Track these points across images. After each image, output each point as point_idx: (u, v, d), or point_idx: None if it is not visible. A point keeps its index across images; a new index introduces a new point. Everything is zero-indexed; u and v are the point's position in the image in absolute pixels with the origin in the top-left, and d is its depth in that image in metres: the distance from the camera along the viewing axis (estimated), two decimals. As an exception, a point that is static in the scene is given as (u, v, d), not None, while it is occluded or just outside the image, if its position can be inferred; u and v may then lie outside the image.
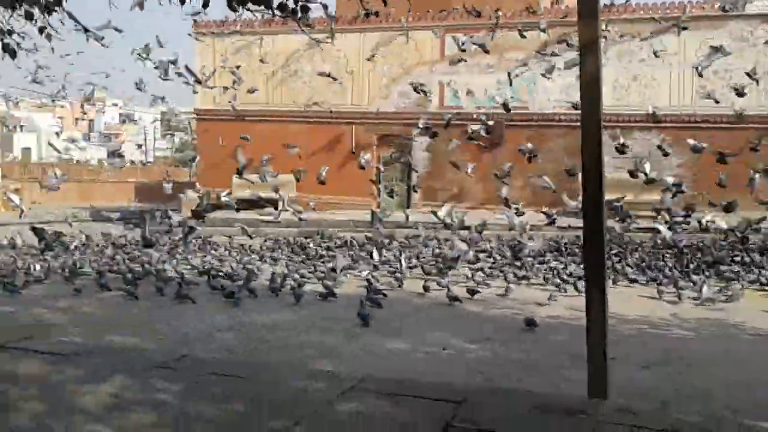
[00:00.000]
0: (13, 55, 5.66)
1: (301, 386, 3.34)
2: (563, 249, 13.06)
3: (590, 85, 3.26)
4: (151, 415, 2.88)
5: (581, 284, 8.92)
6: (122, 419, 2.82)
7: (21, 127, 57.59)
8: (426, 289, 8.84)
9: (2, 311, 7.25)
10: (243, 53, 22.84)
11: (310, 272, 10.19)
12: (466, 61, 16.42)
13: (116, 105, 73.76)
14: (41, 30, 5.79)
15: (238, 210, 14.30)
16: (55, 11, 5.73)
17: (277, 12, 4.73)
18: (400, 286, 9.19)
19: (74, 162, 44.75)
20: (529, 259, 11.58)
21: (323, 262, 11.76)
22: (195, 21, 22.63)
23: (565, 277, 9.58)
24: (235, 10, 4.68)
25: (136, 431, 2.69)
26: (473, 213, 18.83)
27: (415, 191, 19.16)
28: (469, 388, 3.82)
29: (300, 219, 11.79)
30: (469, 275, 9.83)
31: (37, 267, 10.20)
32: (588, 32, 3.26)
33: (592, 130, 3.30)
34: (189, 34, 21.35)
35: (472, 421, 2.93)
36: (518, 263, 11.25)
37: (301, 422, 2.82)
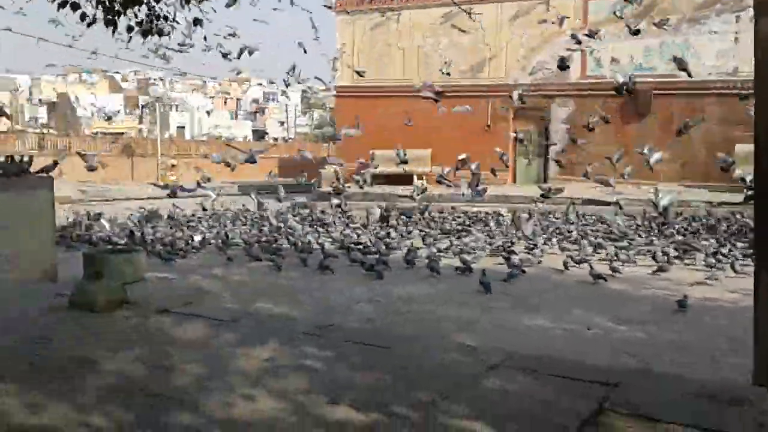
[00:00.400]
0: (159, 34, 6.00)
1: (445, 360, 3.34)
2: (717, 226, 12.17)
3: (766, 48, 2.95)
4: (302, 380, 3.00)
5: (738, 265, 8.31)
6: (276, 383, 2.95)
7: (176, 107, 61.79)
8: (565, 265, 8.59)
9: (164, 278, 7.85)
10: (381, 29, 23.04)
11: (446, 247, 10.18)
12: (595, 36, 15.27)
13: (261, 84, 77.20)
14: (196, 21, 6.10)
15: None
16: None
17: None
18: (539, 263, 8.97)
19: (223, 139, 47.43)
20: (680, 236, 10.88)
21: (459, 237, 11.69)
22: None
23: (720, 257, 8.94)
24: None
25: (289, 395, 2.80)
26: (618, 188, 18.01)
27: (560, 166, 18.38)
28: (622, 370, 3.65)
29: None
30: (614, 253, 9.40)
31: (196, 238, 10.93)
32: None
33: (767, 98, 2.99)
34: (328, 7, 21.74)
35: (626, 405, 2.79)
36: (668, 241, 10.59)
37: (447, 396, 2.82)
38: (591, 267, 8.17)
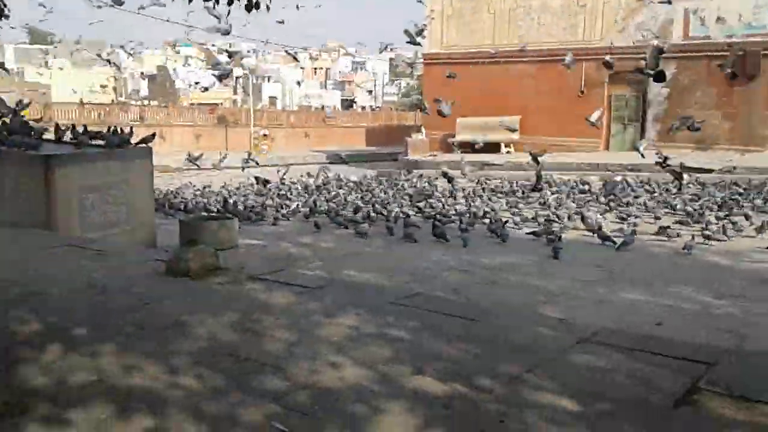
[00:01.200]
0: (257, 6, 6.06)
1: (533, 333, 3.26)
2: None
3: None
4: (388, 349, 3.00)
5: None
6: (361, 351, 2.97)
7: (268, 78, 63.03)
8: (668, 235, 8.26)
9: (255, 245, 8.08)
10: (470, -6, 22.53)
11: (532, 218, 9.95)
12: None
13: (349, 54, 77.52)
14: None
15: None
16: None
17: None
18: (633, 233, 8.64)
19: (312, 109, 48.08)
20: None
21: (547, 206, 11.39)
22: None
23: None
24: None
25: (373, 364, 2.82)
26: (717, 155, 17.06)
27: (674, 130, 17.24)
28: (718, 347, 3.46)
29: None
30: (713, 222, 8.95)
31: (292, 206, 11.20)
32: None
33: None
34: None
35: (723, 385, 2.64)
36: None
37: (535, 369, 2.76)
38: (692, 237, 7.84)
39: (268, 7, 6.18)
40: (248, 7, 6.05)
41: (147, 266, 4.72)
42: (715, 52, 18.45)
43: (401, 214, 10.23)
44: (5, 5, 7.85)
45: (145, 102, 37.48)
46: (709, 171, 11.53)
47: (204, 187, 14.75)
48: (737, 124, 18.58)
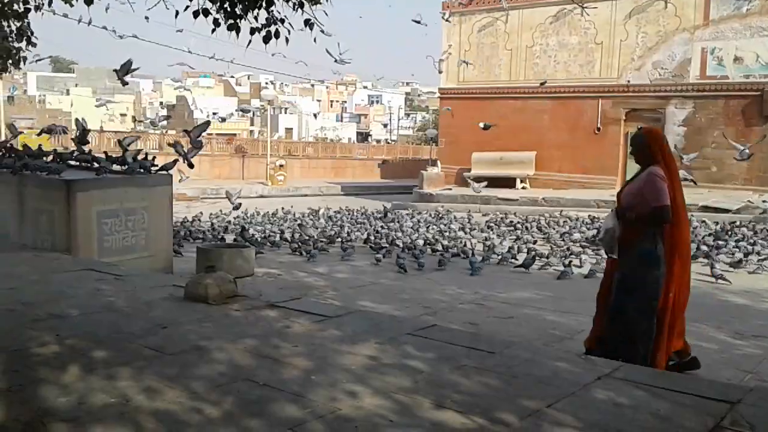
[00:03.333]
0: (276, 36, 6.14)
1: (553, 368, 3.24)
2: None
3: None
4: (406, 380, 2.99)
5: None
6: (380, 381, 2.96)
7: (285, 109, 63.76)
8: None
9: (270, 273, 8.10)
10: (488, 30, 22.79)
11: (549, 253, 9.91)
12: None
13: (366, 87, 78.38)
14: (306, 22, 6.20)
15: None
16: (320, 3, 6.13)
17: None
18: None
19: (328, 140, 48.47)
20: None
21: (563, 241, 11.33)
22: (444, 1, 23.10)
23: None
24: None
25: (392, 394, 2.80)
26: (737, 194, 16.97)
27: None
28: (741, 386, 3.41)
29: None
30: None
31: (311, 233, 11.34)
32: None
33: None
34: (442, 16, 21.77)
35: (746, 425, 2.60)
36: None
37: (555, 404, 2.73)
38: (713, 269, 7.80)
39: (287, 39, 6.27)
40: (266, 39, 6.14)
41: (165, 291, 4.74)
42: (733, 92, 18.48)
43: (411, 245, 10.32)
44: (32, 33, 8.04)
45: (163, 131, 37.97)
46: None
47: (221, 216, 14.84)
48: (754, 164, 18.49)
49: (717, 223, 13.22)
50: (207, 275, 4.48)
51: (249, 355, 3.31)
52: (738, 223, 13.31)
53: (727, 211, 14.87)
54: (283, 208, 16.52)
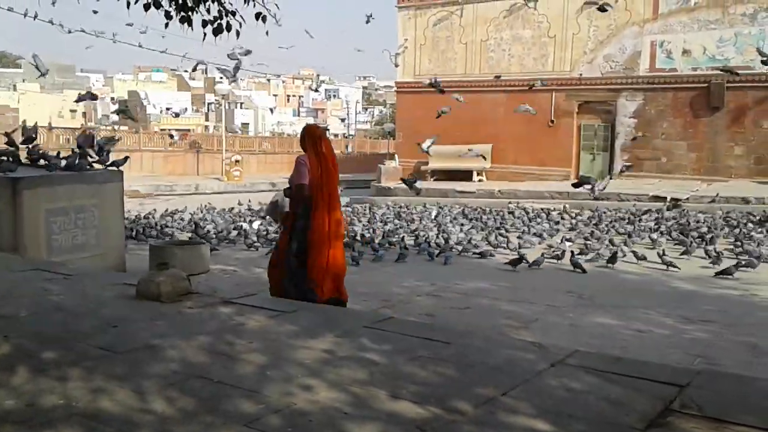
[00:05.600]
0: (228, 29, 6.05)
1: (508, 356, 3.27)
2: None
3: None
4: (362, 372, 2.98)
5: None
6: (335, 374, 2.95)
7: (241, 104, 63.03)
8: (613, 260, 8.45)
9: (226, 270, 8.01)
10: (443, 24, 22.89)
11: (503, 245, 10.02)
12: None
13: (323, 81, 78.00)
14: (258, 15, 6.13)
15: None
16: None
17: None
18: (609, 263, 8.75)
19: (285, 136, 48.11)
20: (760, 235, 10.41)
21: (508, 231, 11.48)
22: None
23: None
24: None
25: (348, 387, 2.79)
26: (684, 184, 17.42)
27: (624, 169, 17.68)
28: (689, 370, 3.50)
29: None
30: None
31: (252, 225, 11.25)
32: None
33: None
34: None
35: (695, 407, 2.67)
36: (739, 240, 10.15)
37: (510, 392, 2.76)
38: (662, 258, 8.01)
39: (238, 33, 6.19)
40: (216, 31, 6.05)
41: (116, 290, 4.64)
42: (681, 84, 18.94)
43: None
44: None
45: (115, 127, 37.14)
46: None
47: (174, 212, 14.61)
48: (702, 154, 19.03)
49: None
50: (159, 273, 4.40)
51: (202, 353, 3.26)
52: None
53: (676, 200, 15.24)
54: (239, 203, 16.36)
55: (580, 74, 20.51)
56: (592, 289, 7.03)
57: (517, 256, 8.37)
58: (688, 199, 15.30)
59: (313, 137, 5.32)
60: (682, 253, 9.08)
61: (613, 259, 8.46)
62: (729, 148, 18.67)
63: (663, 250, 8.79)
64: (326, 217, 5.17)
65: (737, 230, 11.02)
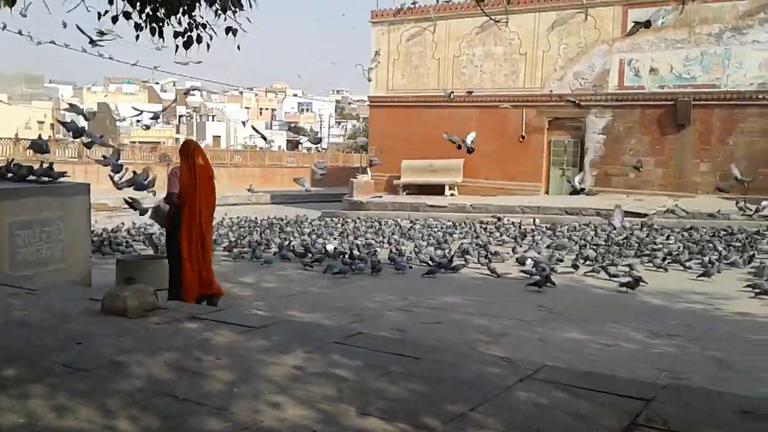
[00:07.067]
0: (199, 41, 6.02)
1: (477, 371, 3.27)
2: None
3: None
4: (331, 388, 2.96)
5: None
6: (304, 391, 2.92)
7: (213, 117, 62.61)
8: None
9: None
10: (416, 40, 23.07)
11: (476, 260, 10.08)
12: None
13: (296, 95, 77.89)
14: (228, 29, 6.11)
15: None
16: (243, 9, 6.05)
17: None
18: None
19: (257, 149, 47.90)
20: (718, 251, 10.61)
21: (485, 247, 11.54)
22: (373, 11, 23.27)
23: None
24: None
25: (317, 404, 2.77)
26: (652, 199, 17.71)
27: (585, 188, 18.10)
28: (656, 384, 3.54)
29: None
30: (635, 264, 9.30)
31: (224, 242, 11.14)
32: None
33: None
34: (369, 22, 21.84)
35: (660, 421, 2.69)
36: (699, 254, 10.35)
37: (479, 407, 2.75)
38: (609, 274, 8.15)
39: (208, 46, 6.16)
40: (186, 44, 6.01)
41: (81, 305, 4.55)
42: (649, 102, 19.31)
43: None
44: None
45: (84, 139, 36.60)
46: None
47: (143, 226, 14.42)
48: (669, 170, 19.37)
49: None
50: (126, 287, 4.33)
51: (168, 369, 3.21)
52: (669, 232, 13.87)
53: (643, 215, 15.49)
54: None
55: (551, 91, 20.80)
56: (562, 304, 7.08)
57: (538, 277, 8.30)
58: (655, 214, 15.56)
59: (186, 152, 5.99)
60: (651, 267, 9.22)
61: (623, 280, 8.36)
62: (695, 165, 19.05)
63: (630, 265, 8.92)
64: (196, 222, 5.87)
65: (700, 245, 11.22)
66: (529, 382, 3.12)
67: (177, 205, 5.87)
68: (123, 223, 14.63)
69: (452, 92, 19.95)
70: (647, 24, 7.72)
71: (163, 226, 6.38)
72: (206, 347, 3.60)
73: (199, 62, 10.06)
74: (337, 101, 76.97)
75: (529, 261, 9.30)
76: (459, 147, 12.00)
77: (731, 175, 11.93)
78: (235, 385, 2.99)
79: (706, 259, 9.62)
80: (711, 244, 11.18)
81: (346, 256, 9.88)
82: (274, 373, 3.17)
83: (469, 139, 11.72)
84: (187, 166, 5.93)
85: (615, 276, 8.49)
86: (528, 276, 8.31)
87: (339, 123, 73.69)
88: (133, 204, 7.74)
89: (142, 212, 9.11)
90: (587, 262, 9.57)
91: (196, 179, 5.89)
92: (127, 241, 11.78)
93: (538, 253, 10.53)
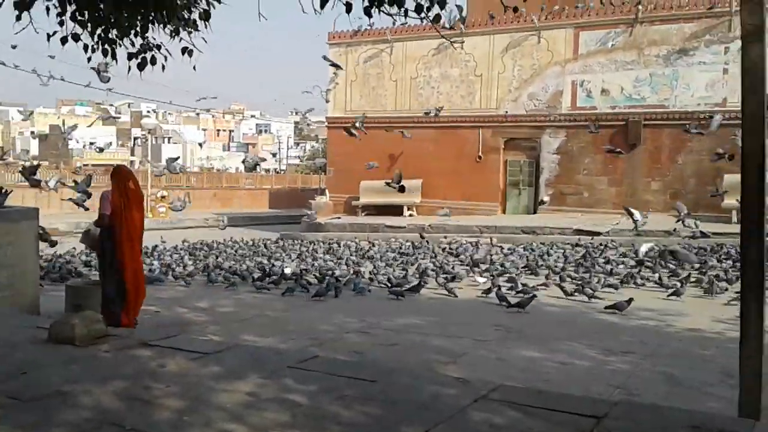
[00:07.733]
0: (153, 63, 5.97)
1: (433, 392, 3.27)
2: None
3: (754, 77, 2.95)
4: (285, 414, 2.92)
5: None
6: (257, 417, 2.87)
7: (168, 138, 61.84)
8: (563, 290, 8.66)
9: (148, 310, 7.72)
10: (374, 61, 23.24)
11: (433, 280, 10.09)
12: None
13: (254, 116, 77.57)
14: (184, 50, 6.07)
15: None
16: (199, 30, 6.02)
17: (412, 13, 4.70)
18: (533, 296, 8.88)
19: (215, 171, 47.43)
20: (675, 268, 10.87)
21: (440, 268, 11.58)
22: (329, 33, 23.39)
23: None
24: (370, 16, 4.70)
25: (270, 430, 2.72)
26: (605, 218, 18.06)
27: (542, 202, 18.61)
28: (609, 401, 3.58)
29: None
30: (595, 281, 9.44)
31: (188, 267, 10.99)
32: (753, 18, 2.97)
33: (754, 127, 2.98)
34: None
35: (613, 438, 2.73)
36: (652, 272, 10.58)
37: (433, 429, 2.75)
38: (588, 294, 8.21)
39: (163, 67, 6.10)
40: (141, 66, 5.95)
41: (28, 333, 4.41)
42: (601, 122, 19.76)
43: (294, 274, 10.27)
44: None
45: (34, 162, 35.75)
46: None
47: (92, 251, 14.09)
48: (622, 189, 19.80)
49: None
50: (74, 315, 4.22)
51: (117, 398, 3.13)
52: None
53: (597, 233, 15.77)
54: (163, 240, 15.97)
55: (506, 111, 21.14)
56: (520, 323, 7.13)
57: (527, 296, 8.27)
58: (608, 232, 15.85)
59: (118, 177, 6.20)
60: (606, 285, 9.36)
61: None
62: (646, 184, 19.52)
63: (585, 282, 9.06)
64: (125, 244, 6.03)
65: (655, 262, 11.47)
66: (484, 402, 3.13)
67: (108, 226, 6.04)
68: (74, 248, 14.26)
69: (440, 108, 20.46)
70: (731, 157, 8.25)
71: (93, 249, 6.57)
72: (157, 375, 3.52)
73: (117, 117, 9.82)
74: (296, 122, 76.89)
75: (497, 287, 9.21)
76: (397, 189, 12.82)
77: (680, 210, 12.49)
78: (186, 414, 2.93)
79: (656, 276, 9.87)
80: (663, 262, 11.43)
81: (302, 278, 9.82)
82: (226, 400, 3.11)
83: (395, 179, 12.21)
84: (118, 190, 6.12)
85: (571, 294, 8.62)
86: (499, 302, 8.19)
87: (297, 144, 73.55)
88: (42, 235, 7.62)
89: (52, 244, 9.30)
90: (546, 279, 9.73)
91: (129, 202, 6.12)
92: (76, 268, 11.47)
93: (498, 272, 10.58)
